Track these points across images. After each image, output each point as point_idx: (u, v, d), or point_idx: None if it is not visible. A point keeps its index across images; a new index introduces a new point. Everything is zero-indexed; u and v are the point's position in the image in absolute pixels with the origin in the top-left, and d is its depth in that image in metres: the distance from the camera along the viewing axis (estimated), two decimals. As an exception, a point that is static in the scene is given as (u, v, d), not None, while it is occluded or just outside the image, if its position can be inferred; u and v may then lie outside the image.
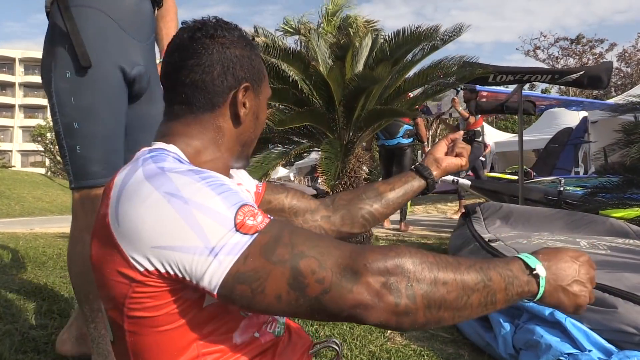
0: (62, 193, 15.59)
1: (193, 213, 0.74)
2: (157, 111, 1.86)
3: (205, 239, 0.73)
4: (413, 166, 1.33)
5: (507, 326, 2.02)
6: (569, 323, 1.84)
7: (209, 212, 0.74)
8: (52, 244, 4.70)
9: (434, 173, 1.29)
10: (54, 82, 1.67)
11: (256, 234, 0.74)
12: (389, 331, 2.36)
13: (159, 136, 0.96)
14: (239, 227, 0.74)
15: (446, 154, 1.32)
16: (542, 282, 0.80)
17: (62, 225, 6.85)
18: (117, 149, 1.75)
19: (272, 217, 0.79)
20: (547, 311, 1.92)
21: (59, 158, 30.86)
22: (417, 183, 1.29)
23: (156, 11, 1.92)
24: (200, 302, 0.80)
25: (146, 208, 0.76)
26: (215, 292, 0.73)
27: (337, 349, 1.08)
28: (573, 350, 1.76)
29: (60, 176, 27.40)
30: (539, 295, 0.80)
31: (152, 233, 0.74)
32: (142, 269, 0.76)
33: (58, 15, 1.66)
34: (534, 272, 0.80)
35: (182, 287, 0.78)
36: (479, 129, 7.37)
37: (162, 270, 0.75)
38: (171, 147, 0.91)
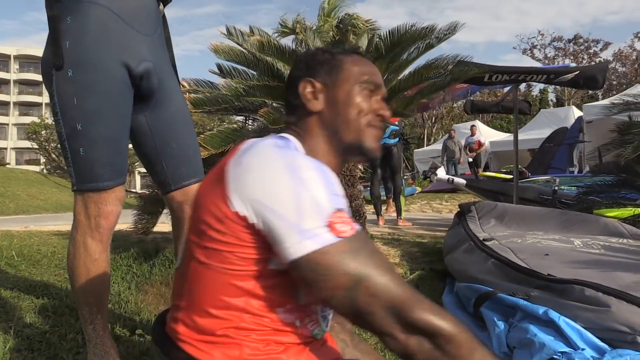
0: (57, 191, 15.53)
1: (303, 194, 0.84)
2: (175, 107, 1.83)
3: (301, 219, 0.83)
4: None
5: (501, 325, 2.03)
6: (563, 322, 1.85)
7: (315, 201, 0.85)
8: (46, 242, 4.68)
9: None
10: (55, 82, 1.61)
11: (340, 239, 0.84)
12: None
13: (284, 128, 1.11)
14: (330, 226, 0.84)
15: None
16: None
17: (57, 223, 6.83)
18: (122, 151, 1.71)
19: (358, 229, 0.88)
20: (541, 310, 1.93)
21: (53, 156, 30.77)
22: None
23: (161, 6, 1.85)
24: (268, 262, 0.90)
25: (266, 167, 0.87)
26: (284, 260, 0.85)
27: None
28: (566, 349, 1.77)
29: (55, 174, 27.31)
30: None
31: (262, 189, 0.85)
32: (234, 210, 0.86)
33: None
34: None
35: (259, 239, 0.88)
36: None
37: (250, 221, 0.86)
38: (294, 138, 1.04)
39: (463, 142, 14.58)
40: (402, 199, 6.66)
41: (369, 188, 7.03)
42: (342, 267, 0.83)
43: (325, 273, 0.83)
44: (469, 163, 14.11)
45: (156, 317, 1.10)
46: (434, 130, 31.23)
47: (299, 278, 0.86)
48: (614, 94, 15.43)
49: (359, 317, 0.85)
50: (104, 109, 1.63)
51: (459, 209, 4.21)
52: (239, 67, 3.91)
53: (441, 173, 7.39)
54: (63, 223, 6.62)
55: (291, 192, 0.84)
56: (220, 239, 0.88)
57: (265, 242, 0.87)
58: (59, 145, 1.72)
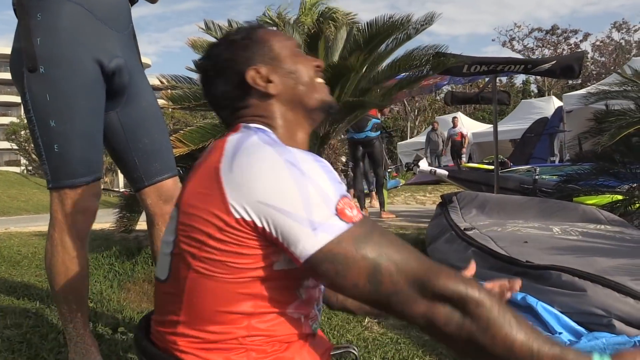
0: (38, 192, 15.36)
1: (307, 186, 0.82)
2: (146, 102, 1.83)
3: (310, 213, 0.81)
4: None
5: (481, 312, 2.05)
6: (541, 307, 1.88)
7: (320, 190, 0.83)
8: (27, 243, 4.62)
9: None
10: (26, 79, 1.59)
11: (351, 224, 0.83)
12: (366, 320, 2.38)
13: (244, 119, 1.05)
14: (339, 213, 0.83)
15: None
16: None
17: (39, 224, 6.75)
18: (97, 146, 1.70)
19: (363, 214, 0.86)
20: (519, 296, 1.96)
21: (34, 156, 30.36)
22: None
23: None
24: (273, 263, 0.88)
25: (266, 166, 0.84)
26: (301, 261, 0.82)
27: (356, 354, 1.17)
28: (544, 333, 1.80)
29: (36, 175, 26.98)
30: None
31: (265, 189, 0.82)
32: (238, 217, 0.83)
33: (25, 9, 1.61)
34: None
35: (267, 243, 0.85)
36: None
37: (259, 225, 0.83)
38: (264, 127, 1.00)
39: (446, 134, 14.68)
40: (384, 191, 6.70)
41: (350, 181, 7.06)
42: (360, 252, 0.82)
43: (343, 263, 0.82)
44: (452, 154, 14.21)
45: (137, 328, 1.05)
46: (417, 123, 31.39)
47: (318, 275, 0.85)
48: (594, 84, 15.64)
49: (386, 301, 0.83)
50: (77, 104, 1.62)
51: (441, 200, 4.24)
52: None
53: (423, 164, 7.47)
54: (44, 224, 6.51)
55: (296, 187, 0.82)
56: (224, 248, 0.85)
57: (271, 245, 0.85)
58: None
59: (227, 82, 1.04)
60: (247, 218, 0.83)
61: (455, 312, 0.81)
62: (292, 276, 0.90)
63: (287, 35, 1.09)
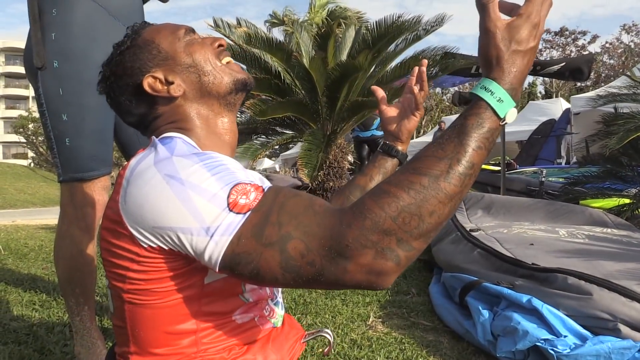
0: (45, 185, 15.42)
1: (189, 194, 0.76)
2: None
3: (201, 220, 0.75)
4: (379, 147, 1.34)
5: (485, 313, 2.05)
6: (546, 310, 1.88)
7: (204, 192, 0.76)
8: (34, 236, 4.66)
9: (400, 148, 1.30)
10: (40, 73, 1.62)
11: (249, 213, 0.75)
12: (370, 319, 2.39)
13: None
14: (232, 207, 0.75)
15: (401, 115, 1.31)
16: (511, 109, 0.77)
17: (45, 217, 6.79)
18: (107, 141, 1.72)
19: (265, 188, 0.79)
20: (525, 298, 1.96)
21: (41, 149, 30.53)
22: (390, 164, 1.32)
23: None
24: (202, 277, 0.85)
25: (148, 190, 0.79)
26: (217, 269, 0.77)
27: (330, 338, 1.11)
28: (549, 336, 1.80)
29: (43, 168, 27.10)
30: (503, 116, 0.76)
31: (153, 214, 0.78)
32: (145, 245, 0.80)
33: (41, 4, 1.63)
34: (504, 122, 0.76)
35: (186, 262, 0.82)
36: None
37: (166, 248, 0.80)
38: (176, 133, 0.95)
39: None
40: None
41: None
42: (262, 242, 0.74)
43: (251, 260, 0.74)
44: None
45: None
46: (423, 123, 31.35)
47: (239, 278, 0.80)
48: (603, 86, 15.57)
49: (319, 282, 0.74)
50: (89, 99, 1.63)
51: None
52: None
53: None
54: (51, 217, 6.58)
55: (178, 200, 0.76)
56: (145, 277, 0.83)
57: (189, 262, 0.82)
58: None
59: (130, 100, 0.99)
60: (153, 245, 0.80)
61: (389, 243, 0.70)
62: (230, 284, 0.87)
63: (174, 26, 1.02)
